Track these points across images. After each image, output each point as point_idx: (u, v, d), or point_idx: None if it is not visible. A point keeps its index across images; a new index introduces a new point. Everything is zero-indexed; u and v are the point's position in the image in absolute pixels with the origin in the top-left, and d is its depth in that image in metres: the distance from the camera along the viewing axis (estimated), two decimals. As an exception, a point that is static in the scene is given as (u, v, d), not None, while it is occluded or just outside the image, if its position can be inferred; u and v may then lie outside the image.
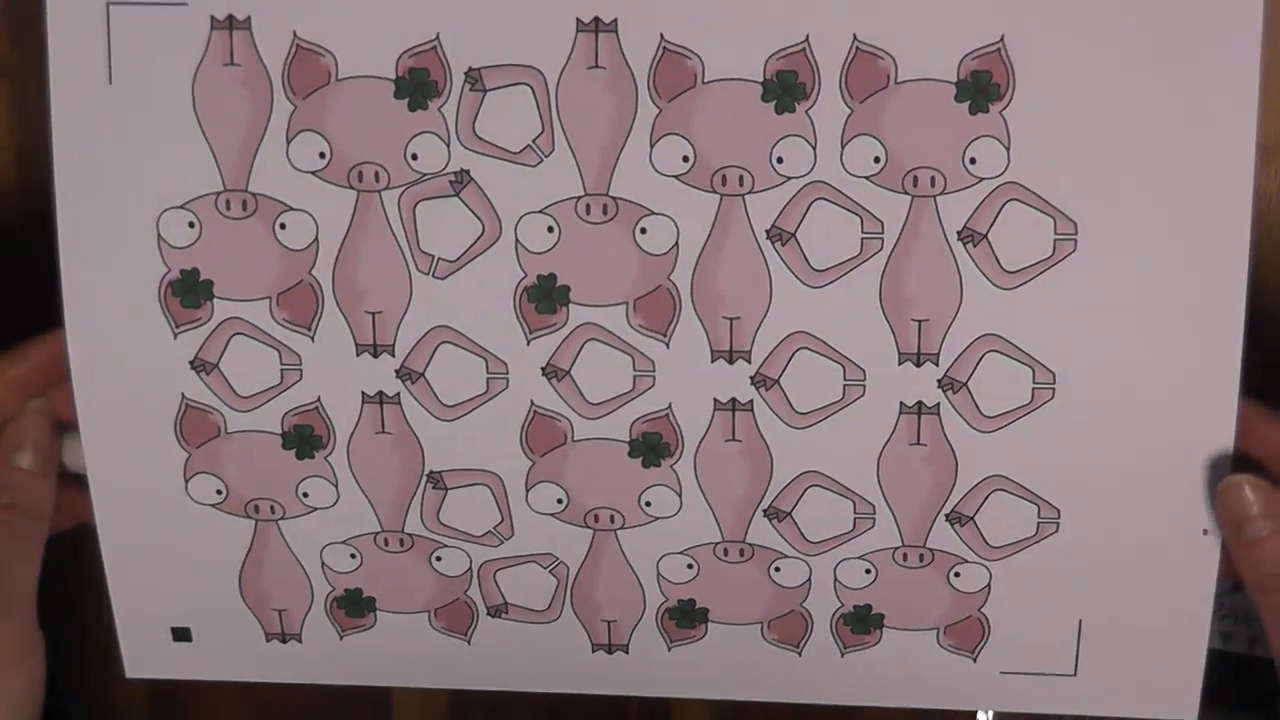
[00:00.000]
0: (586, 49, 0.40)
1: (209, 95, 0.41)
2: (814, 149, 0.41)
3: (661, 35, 0.40)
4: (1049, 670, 0.46)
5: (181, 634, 0.48)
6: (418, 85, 0.41)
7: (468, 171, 0.42)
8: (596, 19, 0.40)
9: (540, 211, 0.42)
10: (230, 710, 0.55)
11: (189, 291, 0.43)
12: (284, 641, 0.48)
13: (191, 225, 0.42)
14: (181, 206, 0.42)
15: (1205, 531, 0.43)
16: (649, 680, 0.48)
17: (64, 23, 0.41)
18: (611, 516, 0.45)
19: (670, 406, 0.43)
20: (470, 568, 0.46)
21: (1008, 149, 0.40)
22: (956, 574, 0.45)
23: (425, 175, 0.42)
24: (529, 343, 0.43)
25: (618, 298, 0.42)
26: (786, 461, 0.44)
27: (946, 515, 0.44)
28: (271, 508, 0.46)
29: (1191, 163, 0.39)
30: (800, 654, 0.47)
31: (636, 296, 0.42)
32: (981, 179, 0.41)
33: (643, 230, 0.42)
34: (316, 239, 0.42)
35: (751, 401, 0.43)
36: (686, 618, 0.47)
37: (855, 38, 0.40)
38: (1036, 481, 0.43)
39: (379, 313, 0.43)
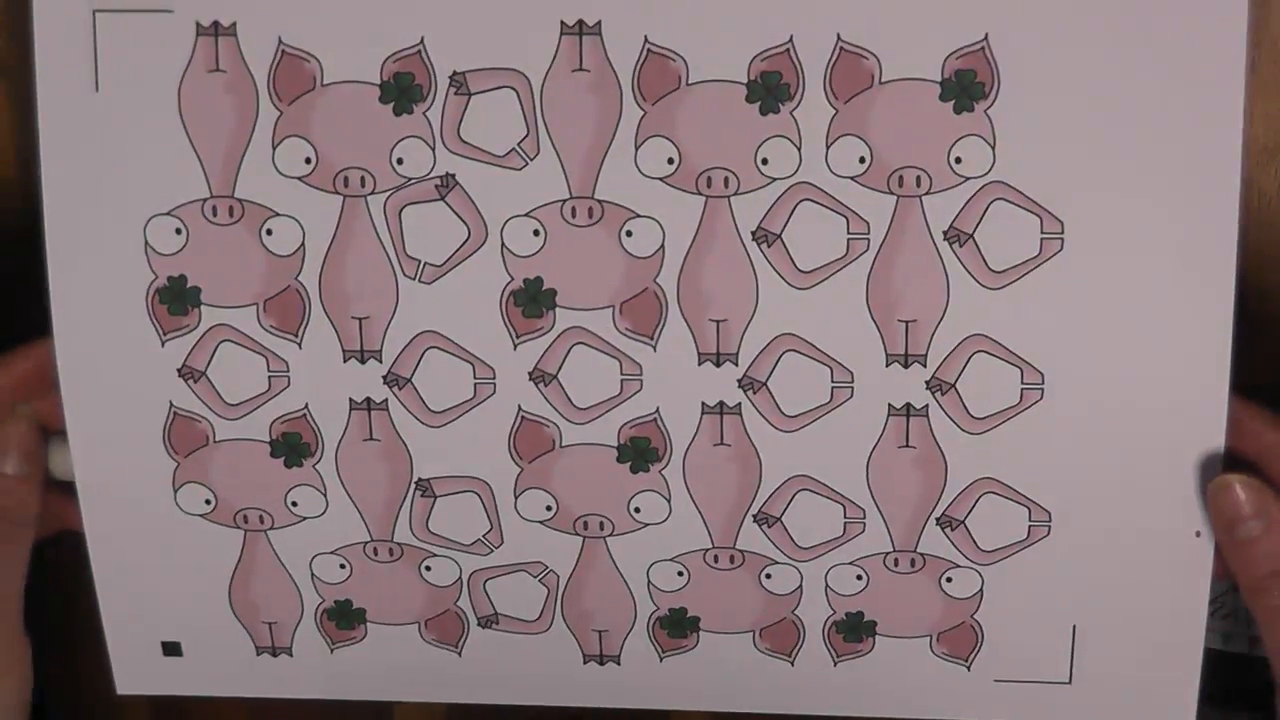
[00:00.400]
0: (571, 52, 0.40)
1: (195, 102, 0.41)
2: (799, 150, 0.41)
3: (645, 37, 0.40)
4: (1044, 678, 0.45)
5: (172, 649, 0.48)
6: (403, 89, 0.41)
7: (453, 175, 0.42)
8: (580, 21, 0.40)
9: (526, 215, 0.42)
10: (231, 710, 0.55)
11: (176, 298, 0.43)
12: (274, 655, 0.48)
13: (178, 232, 0.42)
14: (168, 213, 0.42)
15: (1198, 534, 0.42)
16: (641, 692, 0.47)
17: (50, 30, 0.41)
18: (601, 523, 0.45)
19: (658, 410, 0.43)
20: (460, 577, 0.46)
21: (993, 148, 0.40)
22: (948, 579, 0.44)
23: (411, 180, 0.42)
24: (516, 347, 0.43)
25: (604, 301, 0.42)
26: (775, 465, 0.43)
27: (937, 519, 0.44)
28: (260, 517, 0.46)
29: (1178, 159, 0.39)
30: (793, 663, 0.46)
31: (623, 299, 0.42)
32: (967, 178, 0.40)
33: (628, 233, 0.42)
34: (303, 244, 0.42)
35: (739, 405, 0.43)
36: (678, 627, 0.46)
37: (839, 38, 0.40)
38: (1026, 483, 0.43)
39: (366, 318, 0.43)
